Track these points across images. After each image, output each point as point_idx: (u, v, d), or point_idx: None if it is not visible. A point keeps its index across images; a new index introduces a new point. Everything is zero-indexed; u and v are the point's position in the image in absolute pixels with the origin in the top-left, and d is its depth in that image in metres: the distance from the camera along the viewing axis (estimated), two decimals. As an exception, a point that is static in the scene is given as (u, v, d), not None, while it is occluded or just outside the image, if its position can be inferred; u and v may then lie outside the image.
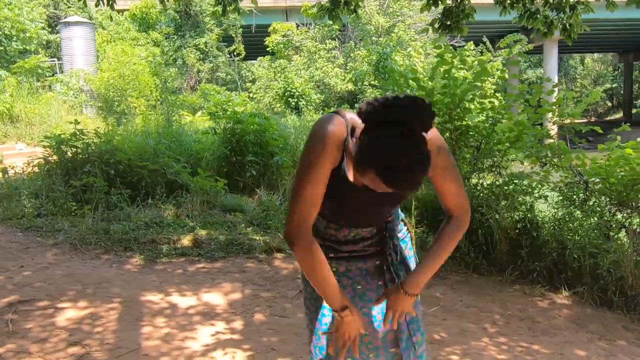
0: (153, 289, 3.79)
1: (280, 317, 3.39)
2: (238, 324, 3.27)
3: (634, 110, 34.75)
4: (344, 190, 1.46)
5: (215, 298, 3.68)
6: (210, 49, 20.40)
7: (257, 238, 5.14)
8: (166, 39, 20.21)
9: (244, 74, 23.91)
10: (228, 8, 4.81)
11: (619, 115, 35.31)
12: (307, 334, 1.74)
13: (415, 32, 17.88)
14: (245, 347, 2.94)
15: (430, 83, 5.55)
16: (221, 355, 2.85)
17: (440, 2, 4.79)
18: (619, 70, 37.22)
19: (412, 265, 1.70)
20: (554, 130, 5.87)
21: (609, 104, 39.60)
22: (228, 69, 21.66)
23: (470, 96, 5.28)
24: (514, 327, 3.36)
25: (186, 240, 4.92)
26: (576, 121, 5.55)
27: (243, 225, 5.57)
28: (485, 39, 9.35)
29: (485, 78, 5.52)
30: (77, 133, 6.38)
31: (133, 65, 14.87)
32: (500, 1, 4.73)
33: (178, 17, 20.09)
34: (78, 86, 14.75)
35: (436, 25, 5.00)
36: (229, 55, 21.36)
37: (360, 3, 5.00)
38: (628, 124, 5.32)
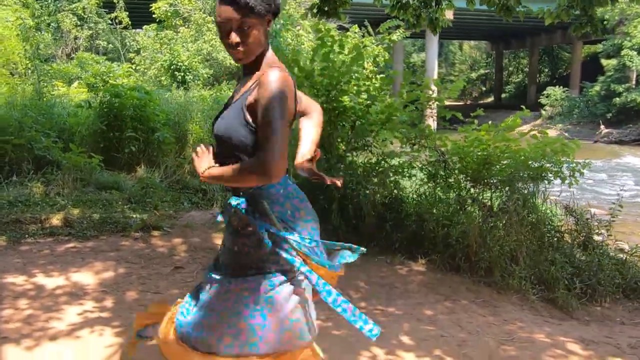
0: (15, 271, 3.62)
1: (153, 293, 3.41)
2: (109, 303, 3.25)
3: (503, 95, 38.15)
4: None
5: (86, 277, 3.61)
6: (89, 15, 18.97)
7: (135, 216, 5.05)
8: (37, 0, 18.41)
9: (128, 44, 22.55)
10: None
11: (490, 99, 38.57)
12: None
13: (305, 10, 18.03)
14: (114, 324, 2.95)
15: (310, 65, 5.74)
16: (88, 333, 2.83)
17: (318, -13, 4.95)
18: (492, 57, 40.50)
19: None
20: (430, 113, 6.27)
21: (483, 89, 43.03)
22: (109, 37, 20.31)
23: (348, 78, 5.55)
24: (374, 292, 3.70)
25: (56, 220, 4.70)
26: (448, 104, 6.03)
27: (120, 203, 5.43)
28: (366, 22, 9.77)
29: (362, 62, 5.82)
30: None
31: (-3, 28, 13.41)
32: (374, -10, 5.01)
33: (51, -23, 18.37)
34: None
35: (314, 10, 5.16)
36: (110, 22, 20.01)
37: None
38: (482, 108, 5.95)
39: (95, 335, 2.81)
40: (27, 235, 4.36)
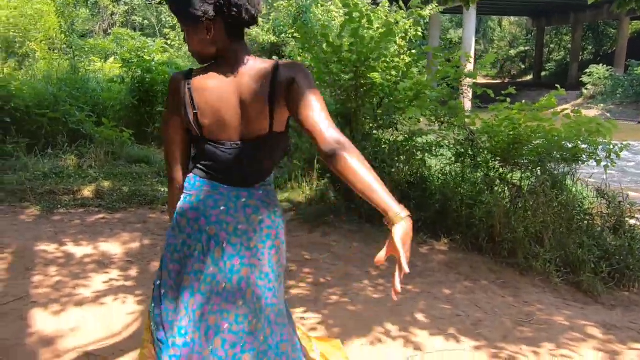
0: (47, 239, 3.77)
1: (175, 264, 3.50)
2: (133, 272, 3.36)
3: (543, 73, 36.87)
4: None
5: (113, 247, 3.73)
6: (125, -10, 19.23)
7: (163, 189, 5.16)
8: (76, -24, 18.73)
9: (164, 19, 22.76)
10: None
11: (530, 77, 37.34)
12: None
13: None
14: (137, 292, 3.05)
15: (339, 40, 5.67)
16: (112, 300, 2.94)
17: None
18: (533, 34, 39.07)
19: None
20: (462, 90, 6.04)
21: (522, 66, 41.66)
22: (145, 13, 20.55)
23: (377, 55, 5.46)
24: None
25: (87, 191, 4.86)
26: (484, 82, 5.87)
27: (149, 176, 5.56)
28: (399, -3, 9.57)
29: (392, 39, 5.71)
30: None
31: (37, 5, 13.73)
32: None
33: (88, -47, 18.64)
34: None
35: (342, -17, 5.08)
36: (146, -2, 20.25)
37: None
38: (514, 87, 5.74)
39: (118, 303, 2.92)
40: (59, 206, 4.53)
